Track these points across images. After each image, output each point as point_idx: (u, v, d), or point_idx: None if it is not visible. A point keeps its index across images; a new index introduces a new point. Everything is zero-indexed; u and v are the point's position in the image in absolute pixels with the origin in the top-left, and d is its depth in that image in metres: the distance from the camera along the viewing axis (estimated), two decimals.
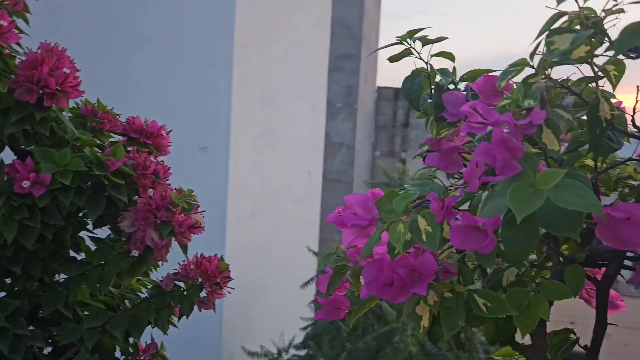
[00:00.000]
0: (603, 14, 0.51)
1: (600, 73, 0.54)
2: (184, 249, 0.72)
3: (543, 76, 0.55)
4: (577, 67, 0.58)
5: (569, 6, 0.50)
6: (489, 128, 0.52)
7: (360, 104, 11.62)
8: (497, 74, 0.59)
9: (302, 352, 2.38)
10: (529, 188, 0.45)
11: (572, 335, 0.77)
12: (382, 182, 7.40)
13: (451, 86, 0.79)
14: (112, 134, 0.80)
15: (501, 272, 0.69)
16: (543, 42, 0.54)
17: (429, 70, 0.79)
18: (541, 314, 0.62)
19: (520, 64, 0.55)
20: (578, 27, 0.52)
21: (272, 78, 2.42)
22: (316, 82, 3.23)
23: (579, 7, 0.51)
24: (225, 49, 2.04)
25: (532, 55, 0.53)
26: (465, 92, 0.78)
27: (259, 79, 2.31)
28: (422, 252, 0.60)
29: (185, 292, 0.76)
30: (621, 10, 0.51)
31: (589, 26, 0.50)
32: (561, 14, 0.52)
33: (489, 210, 0.48)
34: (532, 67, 0.54)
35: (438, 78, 0.79)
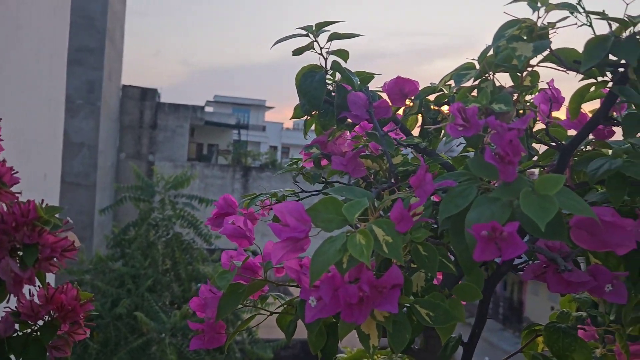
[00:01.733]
0: (542, 24, 0.54)
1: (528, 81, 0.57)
2: (44, 279, 0.52)
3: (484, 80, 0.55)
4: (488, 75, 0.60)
5: (521, 12, 0.52)
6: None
7: (104, 102, 10.67)
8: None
9: None
10: (533, 194, 0.44)
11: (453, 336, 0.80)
12: (135, 185, 6.91)
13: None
14: None
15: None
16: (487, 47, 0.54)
17: (326, 67, 0.74)
18: (458, 316, 0.63)
19: (470, 67, 0.55)
20: (522, 34, 0.54)
21: None
22: (53, 74, 2.84)
23: (538, 17, 0.52)
24: None
25: (480, 59, 0.54)
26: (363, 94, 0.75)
27: None
28: (364, 268, 0.55)
29: (33, 336, 0.56)
30: (553, 25, 0.54)
31: (539, 36, 0.53)
32: (514, 23, 0.53)
33: (488, 215, 0.46)
34: (484, 70, 0.54)
35: (338, 77, 0.74)
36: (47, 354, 0.56)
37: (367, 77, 0.76)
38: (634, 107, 0.56)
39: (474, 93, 0.63)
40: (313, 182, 0.94)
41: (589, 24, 0.52)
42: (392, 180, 0.71)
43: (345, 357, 1.09)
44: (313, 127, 0.85)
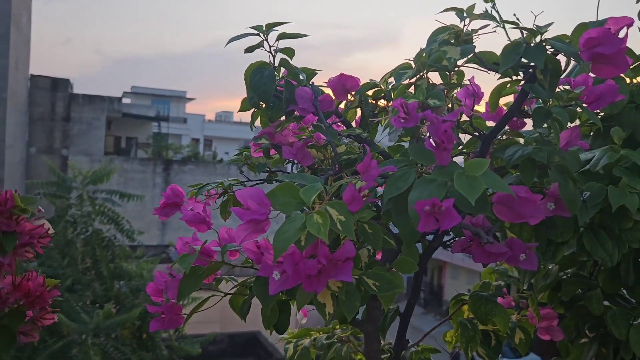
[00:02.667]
0: (467, 31, 0.63)
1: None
2: (18, 265, 0.55)
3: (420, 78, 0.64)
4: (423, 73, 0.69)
5: (449, 19, 0.60)
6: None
7: (10, 93, 10.04)
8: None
9: None
10: (463, 175, 0.53)
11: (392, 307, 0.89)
12: (49, 181, 6.56)
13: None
14: None
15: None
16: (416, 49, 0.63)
17: (275, 63, 0.80)
18: (399, 285, 0.71)
19: (407, 67, 0.63)
20: (451, 39, 0.62)
21: None
22: None
23: (464, 25, 0.61)
24: None
25: (416, 60, 0.62)
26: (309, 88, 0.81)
27: None
28: (321, 243, 0.62)
29: (2, 322, 0.58)
30: (475, 32, 0.63)
31: (465, 41, 0.61)
32: (444, 29, 0.62)
33: (427, 194, 0.54)
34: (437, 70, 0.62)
35: (283, 71, 0.80)
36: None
37: (311, 73, 0.83)
38: (541, 102, 0.67)
39: (411, 89, 0.71)
40: (258, 172, 1.00)
41: (504, 31, 0.61)
42: (337, 168, 0.78)
43: (289, 336, 1.16)
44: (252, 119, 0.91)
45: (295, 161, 0.94)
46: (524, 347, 1.03)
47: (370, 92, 0.81)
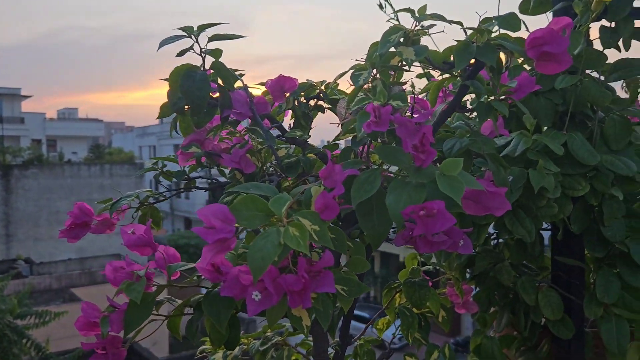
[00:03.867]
0: (416, 29, 0.64)
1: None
2: None
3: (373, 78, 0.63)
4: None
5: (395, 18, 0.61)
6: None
7: None
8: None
9: None
10: (443, 176, 0.54)
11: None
12: None
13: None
14: None
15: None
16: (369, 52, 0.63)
17: (204, 67, 0.76)
18: (365, 288, 0.72)
19: (363, 68, 0.62)
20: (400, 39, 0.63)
21: None
22: None
23: (416, 24, 0.62)
24: None
25: (369, 60, 0.61)
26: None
27: None
28: (299, 257, 0.60)
29: None
30: (425, 33, 0.65)
31: (413, 41, 0.62)
32: (395, 29, 0.62)
33: (406, 196, 0.54)
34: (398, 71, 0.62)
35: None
36: None
37: (235, 76, 0.79)
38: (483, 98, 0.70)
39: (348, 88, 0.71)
40: (178, 180, 0.93)
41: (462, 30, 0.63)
42: (279, 173, 0.76)
43: (211, 348, 1.11)
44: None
45: (214, 167, 0.90)
46: (447, 324, 1.10)
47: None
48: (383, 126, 0.57)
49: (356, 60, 0.67)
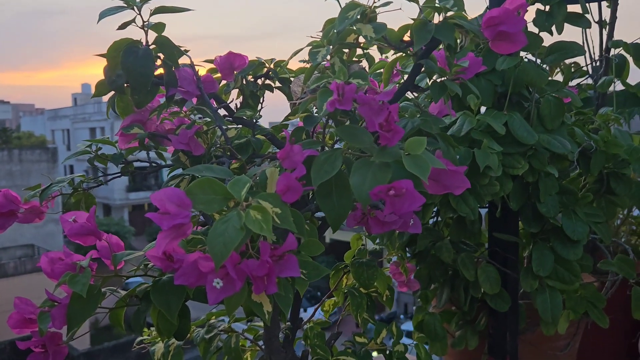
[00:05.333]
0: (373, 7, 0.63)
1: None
2: None
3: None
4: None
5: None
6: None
7: None
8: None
9: None
10: (408, 156, 0.53)
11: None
12: None
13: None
14: None
15: None
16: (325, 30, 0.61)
17: (148, 42, 0.71)
18: (324, 271, 0.71)
19: (320, 46, 0.60)
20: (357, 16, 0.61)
21: None
22: None
23: (373, 2, 0.60)
24: None
25: (326, 37, 0.59)
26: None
27: None
28: (260, 241, 0.58)
29: None
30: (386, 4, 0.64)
31: (370, 18, 0.61)
32: (353, 5, 0.60)
33: (371, 176, 0.53)
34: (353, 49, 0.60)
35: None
36: None
37: (181, 52, 0.75)
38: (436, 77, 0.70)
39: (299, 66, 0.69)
40: (115, 164, 0.88)
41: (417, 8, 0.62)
42: (229, 154, 0.73)
43: (150, 337, 1.07)
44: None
45: (155, 150, 0.85)
46: (390, 302, 1.11)
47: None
48: (347, 105, 0.56)
49: (311, 37, 0.65)
